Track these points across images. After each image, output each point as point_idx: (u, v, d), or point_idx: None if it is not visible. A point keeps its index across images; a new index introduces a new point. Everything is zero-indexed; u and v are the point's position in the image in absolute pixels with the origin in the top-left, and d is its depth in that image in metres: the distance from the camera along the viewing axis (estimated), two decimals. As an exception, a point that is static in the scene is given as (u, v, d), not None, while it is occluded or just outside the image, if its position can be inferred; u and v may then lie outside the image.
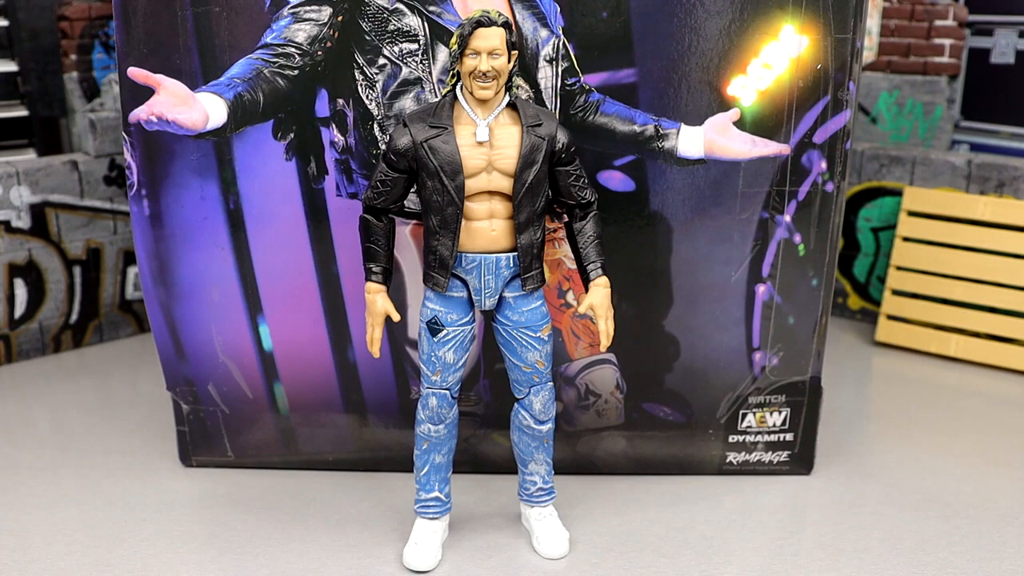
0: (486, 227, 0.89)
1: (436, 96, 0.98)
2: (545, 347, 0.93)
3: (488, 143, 0.87)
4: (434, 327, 0.91)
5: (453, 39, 0.86)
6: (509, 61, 0.86)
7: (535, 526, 0.99)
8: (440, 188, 0.87)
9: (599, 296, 0.92)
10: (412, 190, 0.91)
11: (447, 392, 0.93)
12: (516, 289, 0.91)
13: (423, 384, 0.94)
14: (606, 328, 0.92)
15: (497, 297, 0.92)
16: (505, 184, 0.88)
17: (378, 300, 0.91)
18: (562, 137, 0.89)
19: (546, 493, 0.99)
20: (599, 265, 0.92)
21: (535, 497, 0.99)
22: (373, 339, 0.92)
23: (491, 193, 0.88)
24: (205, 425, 1.13)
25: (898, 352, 1.58)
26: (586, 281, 0.92)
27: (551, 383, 0.95)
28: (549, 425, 0.96)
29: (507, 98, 0.88)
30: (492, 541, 1.01)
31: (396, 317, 0.92)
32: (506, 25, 0.85)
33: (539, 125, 0.88)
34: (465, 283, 0.91)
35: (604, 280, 0.92)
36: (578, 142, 0.98)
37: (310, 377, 1.11)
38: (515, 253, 0.90)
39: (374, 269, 0.92)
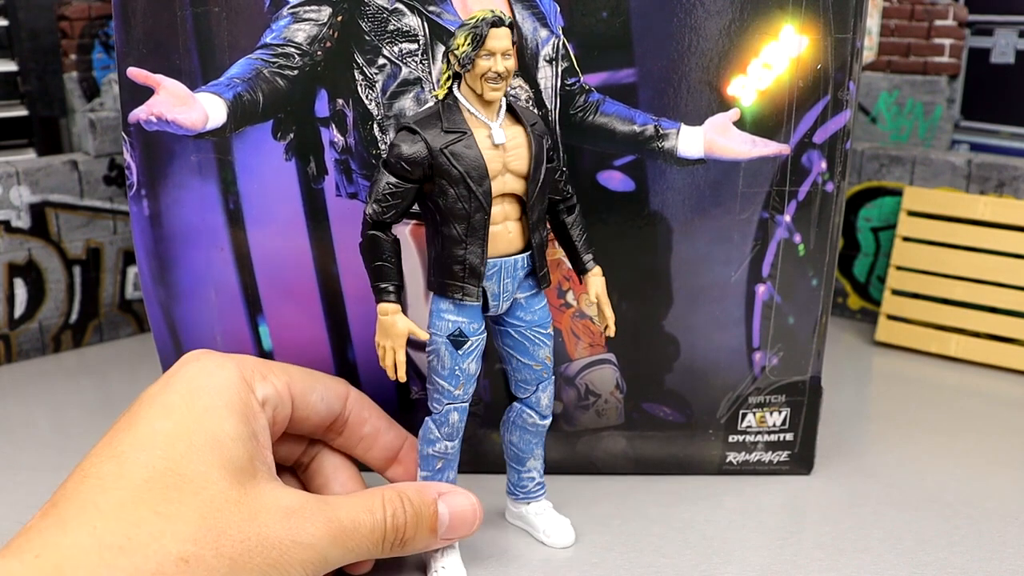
0: (503, 230, 0.88)
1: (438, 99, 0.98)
2: (552, 342, 0.95)
3: (503, 145, 0.87)
4: (459, 340, 0.89)
5: (462, 40, 0.84)
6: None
7: (537, 521, 1.00)
8: (466, 195, 0.85)
9: (600, 284, 0.95)
10: None
11: (466, 405, 0.92)
12: (527, 289, 0.92)
13: (441, 401, 0.91)
14: (611, 313, 0.95)
15: (511, 300, 0.92)
16: (517, 186, 0.88)
17: (398, 322, 0.86)
18: (547, 135, 0.90)
19: (542, 487, 1.01)
20: (592, 255, 0.95)
21: (533, 493, 1.00)
22: (398, 363, 0.87)
23: (503, 195, 0.88)
24: (205, 425, 1.13)
25: (898, 352, 1.58)
26: (583, 272, 0.95)
27: (553, 376, 0.97)
28: (550, 418, 0.98)
29: (504, 99, 0.88)
30: (492, 540, 1.01)
31: (423, 336, 0.88)
32: (511, 25, 0.85)
33: (535, 124, 0.89)
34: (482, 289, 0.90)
35: (599, 268, 0.95)
36: (578, 142, 0.99)
37: (310, 377, 1.11)
38: (528, 253, 0.90)
39: (389, 288, 0.86)
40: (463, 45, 0.84)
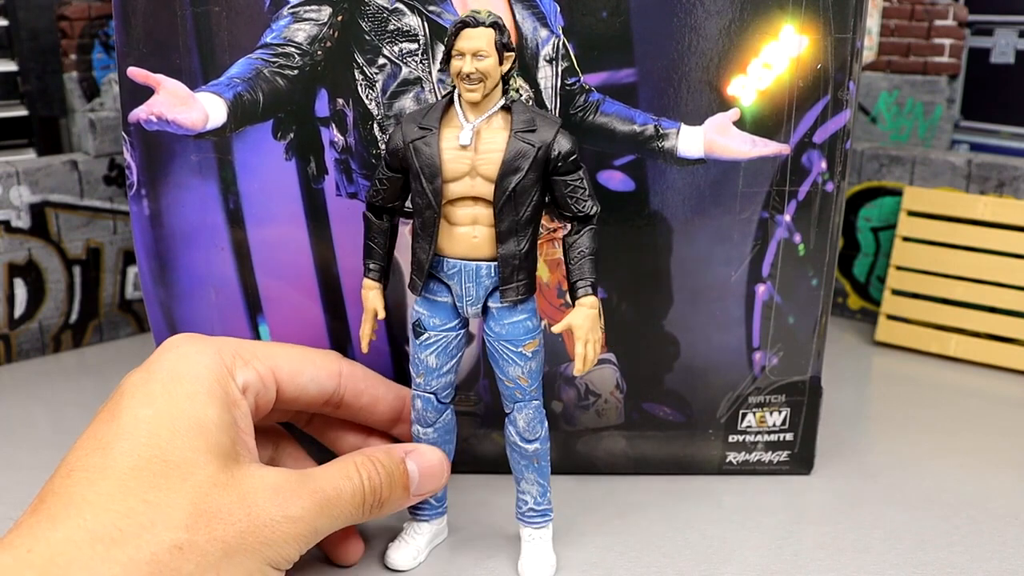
0: (468, 233, 0.87)
1: (436, 96, 0.98)
2: (528, 363, 0.89)
3: (472, 147, 0.85)
4: (417, 330, 0.91)
5: (445, 40, 0.85)
6: (501, 63, 0.84)
7: (523, 547, 0.96)
8: (420, 190, 0.86)
9: (581, 316, 0.86)
10: None
11: (432, 396, 0.92)
12: (499, 300, 0.88)
13: (412, 385, 0.94)
14: (583, 351, 0.86)
15: (480, 306, 0.89)
16: (488, 190, 0.85)
17: (369, 296, 0.92)
18: (562, 146, 0.85)
19: (538, 515, 0.95)
20: (588, 284, 0.86)
21: (526, 517, 0.95)
22: (364, 334, 0.93)
23: (475, 199, 0.86)
24: (205, 425, 1.13)
25: (898, 352, 1.58)
26: (573, 299, 0.87)
27: (537, 401, 0.91)
28: (536, 445, 0.92)
29: (501, 101, 0.86)
30: (493, 542, 1.01)
31: (382, 315, 0.93)
32: (495, 25, 0.83)
33: (531, 131, 0.84)
34: (450, 288, 0.89)
35: (591, 300, 0.86)
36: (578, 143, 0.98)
37: (310, 377, 1.11)
38: (496, 262, 0.87)
39: (371, 266, 0.92)
40: (445, 45, 0.85)
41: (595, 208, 0.87)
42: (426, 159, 0.85)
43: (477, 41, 0.82)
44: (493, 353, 0.91)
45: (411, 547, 0.96)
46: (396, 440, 1.03)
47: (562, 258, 1.04)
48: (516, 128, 0.84)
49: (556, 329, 0.86)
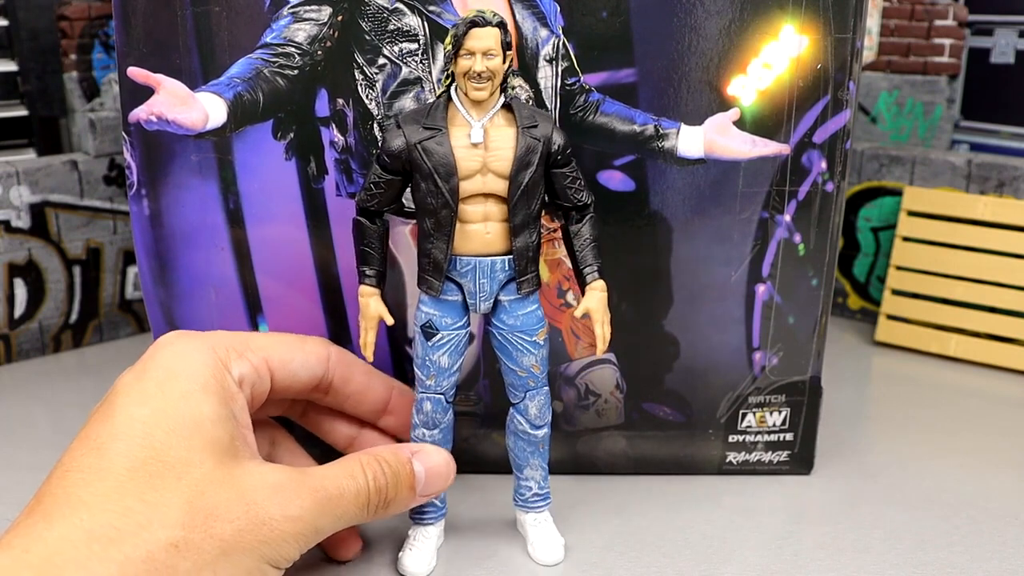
0: (480, 229, 0.88)
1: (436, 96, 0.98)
2: (541, 351, 0.92)
3: (483, 144, 0.86)
4: (428, 331, 0.91)
5: (447, 39, 0.85)
6: (504, 61, 0.85)
7: (530, 531, 0.98)
8: (434, 190, 0.86)
9: (595, 300, 0.91)
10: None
11: (442, 397, 0.93)
12: (511, 293, 0.91)
13: (417, 388, 0.93)
14: (602, 332, 0.91)
15: (492, 300, 0.91)
16: (500, 186, 0.87)
17: (371, 303, 0.91)
18: (558, 138, 0.88)
19: (541, 499, 0.98)
20: (596, 269, 0.91)
21: (530, 503, 0.98)
22: (367, 343, 0.92)
23: (486, 195, 0.87)
24: (205, 425, 1.13)
25: (898, 352, 1.58)
26: (582, 285, 0.92)
27: (547, 387, 0.94)
28: (545, 430, 0.95)
29: (502, 99, 0.87)
30: (491, 542, 1.01)
31: (390, 321, 0.92)
32: (500, 25, 0.84)
33: (535, 126, 0.87)
34: (459, 286, 0.90)
35: (601, 284, 0.91)
36: (578, 142, 0.98)
37: (310, 377, 1.10)
38: (510, 256, 0.89)
39: (368, 272, 0.91)
40: (447, 45, 0.85)
41: (591, 198, 0.92)
42: (440, 159, 0.85)
43: (487, 40, 0.83)
44: (505, 346, 0.92)
45: (424, 552, 0.95)
46: (385, 432, 1.03)
47: (562, 258, 1.04)
48: (522, 124, 0.87)
49: (577, 313, 0.91)
